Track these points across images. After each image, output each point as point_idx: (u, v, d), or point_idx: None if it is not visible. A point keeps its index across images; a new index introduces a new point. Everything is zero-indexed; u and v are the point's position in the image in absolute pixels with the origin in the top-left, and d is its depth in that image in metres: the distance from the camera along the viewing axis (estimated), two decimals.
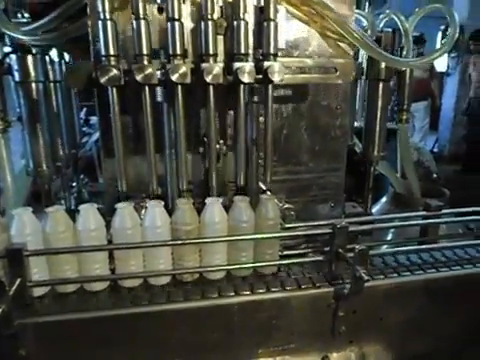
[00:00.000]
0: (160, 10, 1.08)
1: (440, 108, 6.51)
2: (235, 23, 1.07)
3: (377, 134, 1.59)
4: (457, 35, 1.32)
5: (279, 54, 1.13)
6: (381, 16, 1.64)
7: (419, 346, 1.24)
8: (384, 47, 1.53)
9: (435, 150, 6.34)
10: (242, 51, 1.08)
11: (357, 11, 1.53)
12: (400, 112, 1.68)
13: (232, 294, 1.05)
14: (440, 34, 6.42)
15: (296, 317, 1.07)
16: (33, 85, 1.34)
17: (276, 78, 1.08)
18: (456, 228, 1.61)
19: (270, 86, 1.13)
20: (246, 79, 1.07)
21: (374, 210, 2.06)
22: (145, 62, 1.03)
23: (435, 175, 3.48)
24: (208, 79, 1.05)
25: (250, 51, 1.11)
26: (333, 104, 1.34)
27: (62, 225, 1.00)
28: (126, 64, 1.06)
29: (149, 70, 1.02)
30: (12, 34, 1.19)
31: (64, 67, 1.56)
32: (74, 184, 1.83)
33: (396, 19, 1.52)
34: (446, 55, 6.52)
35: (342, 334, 1.10)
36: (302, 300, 1.07)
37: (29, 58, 1.30)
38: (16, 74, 1.32)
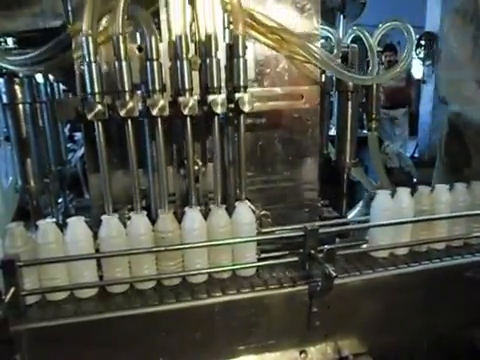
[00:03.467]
0: (140, 49, 1.20)
1: (417, 115, 6.72)
2: (208, 61, 1.17)
3: (348, 143, 1.69)
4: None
5: (250, 84, 1.24)
6: (348, 31, 1.75)
7: (392, 337, 1.33)
8: (351, 62, 1.65)
9: (416, 155, 6.49)
10: (215, 85, 1.19)
11: (326, 28, 1.64)
12: (369, 121, 1.79)
13: (219, 294, 1.13)
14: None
15: (274, 314, 1.15)
16: (20, 106, 1.41)
17: (246, 109, 1.20)
18: None
19: (242, 115, 1.24)
20: (219, 110, 1.18)
21: (352, 214, 2.16)
22: (127, 98, 1.12)
23: (415, 180, 3.62)
24: (185, 111, 1.15)
25: (222, 84, 1.22)
26: (304, 117, 1.44)
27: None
28: (110, 99, 1.15)
29: (130, 104, 1.12)
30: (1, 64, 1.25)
31: (49, 88, 1.64)
32: (60, 200, 1.88)
33: (361, 35, 1.63)
34: (421, 63, 6.79)
35: (317, 329, 1.18)
36: (280, 298, 1.15)
37: (16, 81, 1.38)
38: (4, 96, 1.40)
